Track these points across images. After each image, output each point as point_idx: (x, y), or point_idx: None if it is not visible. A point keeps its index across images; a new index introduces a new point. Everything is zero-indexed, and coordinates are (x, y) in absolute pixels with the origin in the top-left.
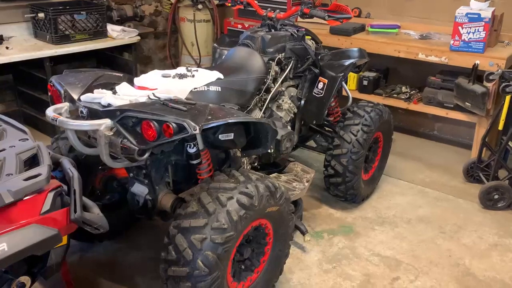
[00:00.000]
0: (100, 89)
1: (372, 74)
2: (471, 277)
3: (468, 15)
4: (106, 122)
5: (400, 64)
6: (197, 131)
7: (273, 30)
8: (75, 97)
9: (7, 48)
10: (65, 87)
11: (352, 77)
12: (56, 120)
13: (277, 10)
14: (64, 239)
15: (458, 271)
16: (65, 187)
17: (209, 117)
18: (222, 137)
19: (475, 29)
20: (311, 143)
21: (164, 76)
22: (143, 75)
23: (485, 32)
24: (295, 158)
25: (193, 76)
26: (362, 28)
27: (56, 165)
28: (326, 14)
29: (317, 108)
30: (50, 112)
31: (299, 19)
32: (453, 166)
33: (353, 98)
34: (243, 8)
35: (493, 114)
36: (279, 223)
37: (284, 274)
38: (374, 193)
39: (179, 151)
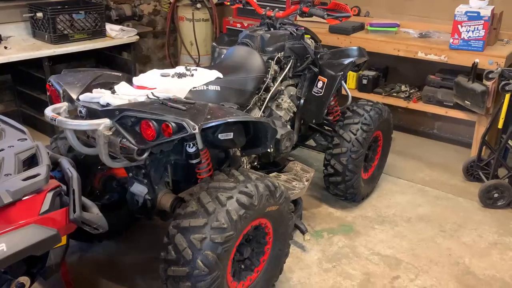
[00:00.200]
0: (99, 89)
1: (371, 73)
2: (471, 275)
3: (468, 14)
4: (105, 121)
5: (400, 63)
6: (196, 131)
7: (272, 29)
8: (74, 96)
9: (5, 48)
10: (63, 86)
11: (352, 76)
12: (54, 120)
13: (276, 9)
14: (63, 239)
15: (458, 270)
16: (64, 187)
17: (209, 117)
18: (221, 136)
19: (475, 28)
20: (311, 142)
21: (163, 75)
22: (142, 75)
23: (484, 30)
24: (295, 157)
25: (192, 75)
26: (361, 27)
27: (55, 165)
28: (325, 13)
29: (317, 107)
30: (48, 111)
31: (298, 18)
32: (453, 164)
33: (353, 97)
34: (242, 7)
35: (492, 112)
36: (279, 223)
37: (284, 273)
38: (374, 192)
39: (178, 151)
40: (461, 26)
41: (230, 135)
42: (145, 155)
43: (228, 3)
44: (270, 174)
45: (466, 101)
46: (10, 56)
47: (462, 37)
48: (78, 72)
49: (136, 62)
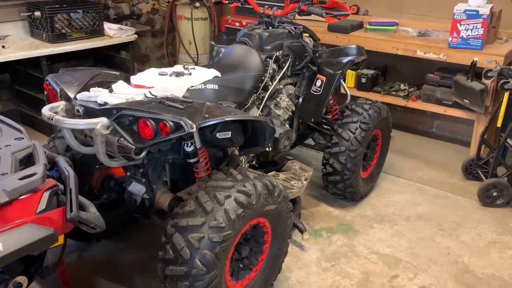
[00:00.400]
0: (96, 88)
1: (370, 72)
2: (470, 274)
3: (466, 12)
4: (103, 120)
5: (399, 62)
6: (194, 130)
7: (270, 28)
8: (71, 95)
9: (3, 47)
10: (61, 85)
11: (351, 74)
12: (52, 119)
13: (275, 8)
14: (61, 239)
15: (457, 269)
16: (61, 186)
17: (206, 115)
18: (219, 135)
19: (473, 26)
20: (310, 141)
21: (161, 74)
22: (139, 73)
23: (483, 29)
24: (294, 156)
25: (190, 74)
26: (360, 26)
27: (52, 164)
28: (323, 11)
29: (315, 106)
30: (46, 111)
31: (297, 16)
32: (452, 163)
33: (352, 96)
34: (240, 5)
35: (491, 111)
36: (277, 222)
37: (282, 273)
38: (373, 191)
39: (176, 150)
40: (460, 25)
41: (228, 134)
42: (143, 154)
43: (227, 2)
44: (269, 173)
45: (465, 100)
46: (8, 55)
47: (461, 35)
48: (75, 71)
49: (134, 61)
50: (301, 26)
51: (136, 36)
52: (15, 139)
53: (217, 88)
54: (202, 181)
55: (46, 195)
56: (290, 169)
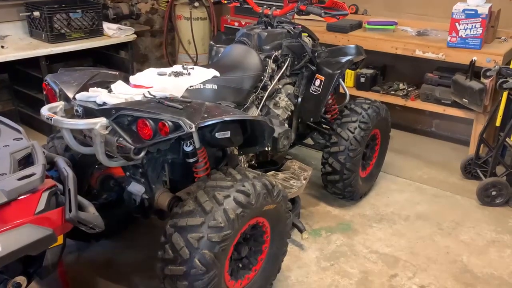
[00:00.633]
0: (95, 88)
1: (369, 71)
2: (469, 273)
3: (465, 11)
4: (101, 120)
5: (398, 61)
6: (193, 129)
7: (269, 28)
8: (70, 95)
9: (2, 47)
10: (60, 85)
11: (350, 74)
12: (51, 119)
13: (273, 7)
14: (60, 239)
15: (456, 268)
16: (60, 187)
17: (205, 115)
18: (218, 135)
19: (472, 25)
20: (309, 140)
21: (159, 74)
22: (138, 73)
23: (482, 28)
24: (293, 155)
25: (189, 74)
26: (359, 25)
27: (51, 165)
28: (322, 11)
29: (314, 105)
30: (44, 111)
31: (296, 16)
32: (451, 162)
33: (351, 95)
34: (239, 5)
35: (490, 110)
36: (277, 221)
37: (282, 272)
38: (372, 190)
39: (175, 150)
40: (459, 24)
41: (227, 134)
42: (142, 154)
43: (226, 2)
44: (268, 173)
45: (464, 99)
46: (7, 55)
47: (459, 35)
48: (74, 71)
49: (133, 61)
50: (300, 26)
51: (135, 36)
52: (14, 139)
53: (216, 88)
54: (201, 181)
55: (45, 195)
56: (289, 168)
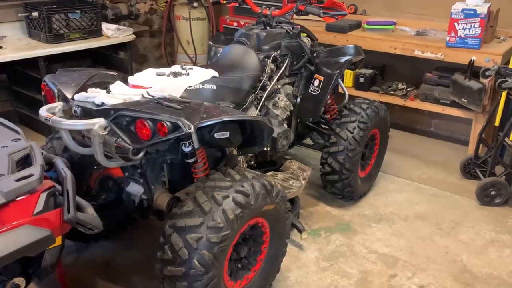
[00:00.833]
0: (94, 88)
1: (368, 71)
2: (469, 273)
3: (464, 11)
4: (100, 121)
5: (397, 61)
6: (192, 130)
7: (268, 28)
8: (69, 96)
9: (1, 47)
10: (58, 86)
11: (349, 74)
12: (49, 120)
13: (272, 7)
14: (58, 240)
15: (455, 268)
16: (58, 187)
17: (204, 116)
18: (217, 135)
19: (471, 25)
20: (308, 140)
21: (158, 74)
22: (137, 74)
23: (481, 28)
24: (292, 156)
25: (187, 74)
26: (358, 25)
27: (50, 165)
28: (321, 11)
29: (313, 105)
30: (43, 111)
31: (295, 16)
32: (450, 162)
33: (350, 95)
34: (238, 5)
35: (489, 110)
36: (276, 221)
37: (281, 272)
38: (371, 190)
39: (174, 150)
40: (458, 24)
41: (226, 134)
42: (141, 154)
43: (224, 2)
44: (267, 173)
45: (463, 99)
46: (5, 56)
47: (458, 34)
48: (73, 71)
49: (132, 61)
50: (299, 26)
51: (134, 36)
52: (12, 140)
53: (215, 88)
54: (200, 181)
55: (43, 196)
56: (289, 168)
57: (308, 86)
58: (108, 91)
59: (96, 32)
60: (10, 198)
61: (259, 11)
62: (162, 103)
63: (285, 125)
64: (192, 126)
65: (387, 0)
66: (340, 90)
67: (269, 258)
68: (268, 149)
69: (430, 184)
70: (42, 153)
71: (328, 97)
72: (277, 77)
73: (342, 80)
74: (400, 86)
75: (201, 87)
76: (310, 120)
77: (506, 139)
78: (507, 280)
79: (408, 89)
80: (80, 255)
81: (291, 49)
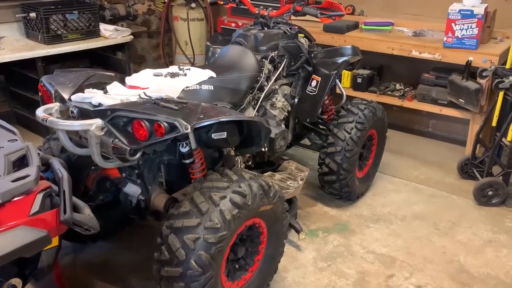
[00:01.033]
0: (91, 89)
1: (366, 72)
2: (466, 273)
3: (461, 12)
4: (97, 122)
5: (394, 62)
6: (189, 130)
7: (266, 28)
8: (66, 97)
9: None
10: (55, 87)
11: (346, 75)
12: (46, 121)
13: (270, 8)
14: (55, 241)
15: (452, 268)
16: (55, 188)
17: (201, 116)
18: (215, 136)
19: (468, 26)
20: (306, 141)
21: (155, 75)
22: (134, 74)
23: (478, 28)
24: (290, 156)
25: (185, 75)
26: (355, 26)
27: (46, 166)
28: (318, 12)
29: (311, 106)
30: (40, 112)
31: (292, 17)
32: (448, 163)
33: (347, 96)
34: (236, 6)
35: (486, 110)
36: (273, 222)
37: (279, 273)
38: (369, 190)
39: (171, 151)
40: (455, 25)
41: (224, 135)
42: (138, 155)
43: (222, 2)
44: (265, 174)
45: (460, 99)
46: (3, 57)
47: (456, 35)
48: (70, 72)
49: (130, 62)
50: (297, 27)
51: (132, 37)
52: (8, 141)
53: (212, 88)
54: (198, 182)
55: (39, 197)
56: (286, 169)
57: (306, 87)
58: (105, 92)
59: (94, 33)
60: (6, 198)
61: (257, 12)
62: (159, 104)
63: (283, 126)
64: (189, 127)
65: (385, 1)
66: (338, 91)
67: (267, 259)
68: (266, 149)
69: (428, 184)
70: (38, 153)
71: (326, 97)
72: (274, 77)
73: (340, 81)
74: (397, 86)
75: (198, 88)
76: (308, 120)
77: (503, 139)
78: (504, 280)
79: (406, 89)
80: (77, 255)
81: (288, 49)
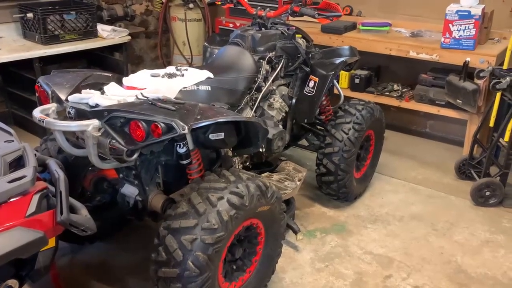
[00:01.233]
0: (88, 89)
1: (363, 72)
2: (463, 274)
3: (459, 13)
4: (94, 122)
5: (392, 62)
6: (186, 131)
7: (263, 29)
8: (63, 97)
9: None
10: (52, 87)
11: (344, 75)
12: (43, 121)
13: (267, 9)
14: (52, 242)
15: (450, 268)
16: (52, 189)
17: (198, 117)
18: (212, 136)
19: (466, 27)
20: (303, 141)
21: (153, 75)
22: (132, 75)
23: (475, 29)
24: (287, 157)
25: (182, 75)
26: (353, 26)
27: (43, 167)
28: (316, 12)
29: (309, 106)
30: (37, 113)
31: (290, 17)
32: (445, 163)
33: (345, 97)
34: (233, 7)
35: (484, 111)
36: (271, 223)
37: (276, 274)
38: (367, 191)
39: (169, 151)
40: (452, 25)
41: (221, 135)
42: (135, 156)
43: (219, 3)
44: (262, 174)
45: (457, 100)
46: (0, 57)
47: (453, 36)
48: (67, 72)
49: (128, 62)
50: (294, 27)
51: (129, 37)
52: (5, 141)
53: (209, 89)
54: (195, 182)
55: (36, 198)
56: (284, 170)
57: (303, 87)
58: (102, 92)
59: (92, 33)
60: (2, 199)
61: (254, 13)
62: (156, 104)
63: (280, 126)
64: (187, 127)
65: (383, 2)
66: (335, 91)
67: (264, 259)
68: (263, 150)
69: (425, 185)
70: (35, 154)
71: (323, 98)
72: (272, 78)
73: (337, 81)
74: (395, 87)
75: (195, 88)
76: (305, 121)
77: (500, 139)
78: (502, 280)
79: (403, 90)
80: (74, 256)
81: (286, 50)
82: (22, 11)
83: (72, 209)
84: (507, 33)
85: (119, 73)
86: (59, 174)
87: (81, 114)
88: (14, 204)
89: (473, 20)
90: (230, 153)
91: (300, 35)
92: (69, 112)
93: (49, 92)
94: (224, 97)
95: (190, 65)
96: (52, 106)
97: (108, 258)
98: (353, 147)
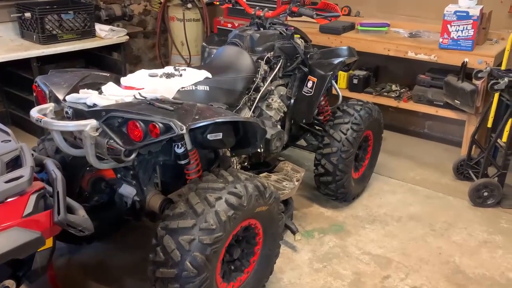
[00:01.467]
0: (85, 89)
1: (362, 73)
2: (461, 274)
3: (457, 13)
4: (92, 122)
5: (390, 63)
6: (184, 131)
7: (262, 29)
8: (60, 97)
9: None
10: (50, 87)
11: (342, 75)
12: (40, 121)
13: (266, 9)
14: (49, 242)
15: (448, 269)
16: (49, 189)
17: (197, 117)
18: (210, 137)
19: (464, 27)
20: (302, 142)
21: (151, 75)
22: (130, 75)
23: (473, 30)
24: (286, 157)
25: (180, 75)
26: (352, 27)
27: (40, 167)
28: (314, 13)
29: (307, 107)
30: (34, 112)
31: (288, 17)
32: (443, 163)
33: (343, 97)
34: (232, 7)
35: (482, 111)
36: (269, 223)
37: (274, 274)
38: (365, 191)
39: (167, 151)
40: (451, 26)
41: (219, 136)
42: (133, 156)
43: (218, 3)
44: (261, 174)
45: (456, 100)
46: None
47: (451, 36)
48: (65, 72)
49: (126, 62)
50: (293, 28)
51: (127, 37)
52: (2, 141)
53: (208, 89)
54: (193, 182)
55: (33, 198)
56: (282, 170)
57: (302, 88)
58: (100, 92)
59: (90, 33)
60: None
61: (253, 13)
62: (154, 104)
63: (279, 127)
64: (185, 127)
65: (381, 2)
66: (334, 92)
67: (262, 260)
68: (262, 150)
69: (424, 185)
70: (32, 154)
71: (322, 98)
72: (270, 78)
73: (336, 82)
74: (393, 87)
75: (194, 88)
76: (304, 121)
77: (498, 140)
78: (500, 280)
79: (402, 90)
80: (72, 257)
81: (284, 50)
82: (20, 11)
83: (70, 209)
84: (505, 33)
85: (117, 73)
86: (57, 174)
87: (79, 114)
88: (11, 204)
89: (471, 21)
90: (228, 153)
91: (299, 35)
92: (66, 112)
93: (47, 92)
94: (222, 97)
95: (188, 65)
96: (50, 106)
97: (106, 258)
98: (351, 147)
